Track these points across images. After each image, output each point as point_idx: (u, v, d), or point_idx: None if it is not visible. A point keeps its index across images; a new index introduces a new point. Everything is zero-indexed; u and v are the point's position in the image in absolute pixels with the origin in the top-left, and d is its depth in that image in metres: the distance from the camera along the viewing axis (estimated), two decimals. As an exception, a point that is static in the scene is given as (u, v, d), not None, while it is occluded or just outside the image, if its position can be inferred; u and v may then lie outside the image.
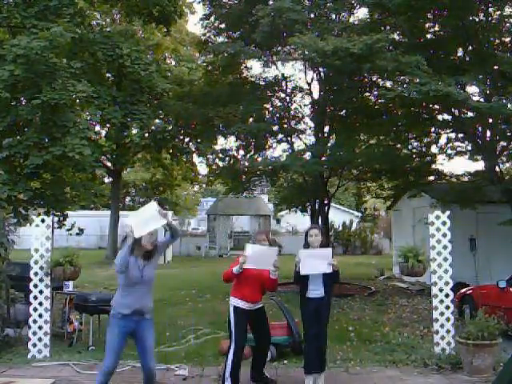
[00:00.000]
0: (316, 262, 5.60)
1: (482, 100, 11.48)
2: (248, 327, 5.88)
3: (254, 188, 17.88)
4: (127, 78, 20.21)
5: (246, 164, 15.89)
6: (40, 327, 7.08)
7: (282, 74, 15.81)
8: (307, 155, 14.74)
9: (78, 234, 12.55)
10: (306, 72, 15.80)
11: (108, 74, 21.68)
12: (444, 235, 6.99)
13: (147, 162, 30.51)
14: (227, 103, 14.71)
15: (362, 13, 15.86)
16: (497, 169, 12.63)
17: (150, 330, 4.93)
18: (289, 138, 15.80)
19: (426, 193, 14.12)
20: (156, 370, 5.01)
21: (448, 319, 6.86)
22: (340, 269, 5.84)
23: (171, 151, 24.29)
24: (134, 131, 23.43)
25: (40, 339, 7.05)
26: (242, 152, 16.78)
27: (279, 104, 16.16)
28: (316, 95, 15.68)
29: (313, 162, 13.33)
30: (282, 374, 6.39)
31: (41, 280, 7.16)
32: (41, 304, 7.12)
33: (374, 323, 9.63)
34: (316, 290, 5.73)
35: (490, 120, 11.70)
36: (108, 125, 21.11)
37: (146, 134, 21.98)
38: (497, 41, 12.50)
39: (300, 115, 16.23)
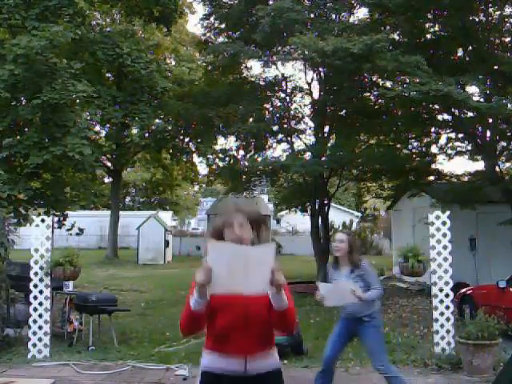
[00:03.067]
0: None
1: (482, 100, 11.46)
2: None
3: (254, 188, 17.86)
4: (127, 78, 20.26)
5: (246, 164, 15.87)
6: (40, 327, 7.07)
7: (282, 74, 15.79)
8: (307, 155, 14.72)
9: (77, 234, 12.56)
10: (305, 72, 15.78)
11: (108, 74, 21.73)
12: (444, 235, 6.98)
13: (147, 162, 30.57)
14: (227, 103, 14.70)
15: (362, 13, 15.89)
16: (497, 169, 12.62)
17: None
18: (289, 138, 15.77)
19: (426, 193, 14.09)
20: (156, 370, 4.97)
21: (448, 319, 6.85)
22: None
23: (171, 151, 24.32)
24: (134, 131, 23.50)
25: (40, 339, 7.04)
26: (242, 152, 16.77)
27: (279, 104, 16.13)
28: (316, 95, 15.66)
29: (313, 162, 13.31)
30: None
31: (41, 280, 7.15)
32: (41, 304, 7.11)
33: (374, 323, 9.60)
34: None
35: (490, 120, 11.69)
36: (108, 125, 21.15)
37: (146, 134, 22.04)
38: (497, 41, 12.50)
39: (300, 115, 16.19)
